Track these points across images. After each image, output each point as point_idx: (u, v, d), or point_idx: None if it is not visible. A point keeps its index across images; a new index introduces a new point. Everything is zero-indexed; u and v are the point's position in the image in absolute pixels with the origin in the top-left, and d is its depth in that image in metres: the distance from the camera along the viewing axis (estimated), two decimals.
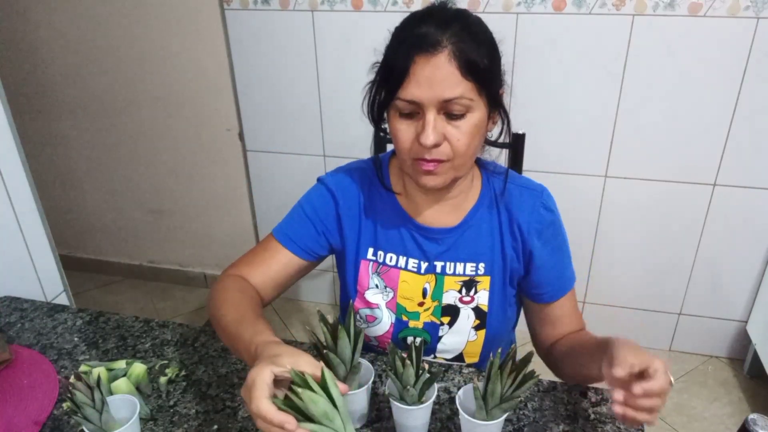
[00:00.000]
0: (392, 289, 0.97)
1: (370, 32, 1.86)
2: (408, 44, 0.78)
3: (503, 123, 0.89)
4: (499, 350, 0.73)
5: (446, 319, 0.97)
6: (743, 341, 2.05)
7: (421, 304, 0.97)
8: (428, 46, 0.76)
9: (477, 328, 0.97)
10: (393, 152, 0.98)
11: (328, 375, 0.63)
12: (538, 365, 0.71)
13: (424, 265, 0.96)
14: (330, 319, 0.76)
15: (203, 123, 2.23)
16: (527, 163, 1.25)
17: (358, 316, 0.99)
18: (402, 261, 0.97)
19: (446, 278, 0.96)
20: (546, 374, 0.82)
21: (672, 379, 0.69)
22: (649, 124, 1.81)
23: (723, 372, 2.06)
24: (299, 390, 0.61)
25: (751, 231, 1.88)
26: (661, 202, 1.91)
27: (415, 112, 0.81)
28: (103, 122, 2.34)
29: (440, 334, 0.98)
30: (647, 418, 0.69)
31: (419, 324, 0.98)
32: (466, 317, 0.97)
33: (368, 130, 1.21)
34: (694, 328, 2.10)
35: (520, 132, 1.19)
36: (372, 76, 0.86)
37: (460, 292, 0.96)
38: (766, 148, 1.76)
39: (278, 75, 2.05)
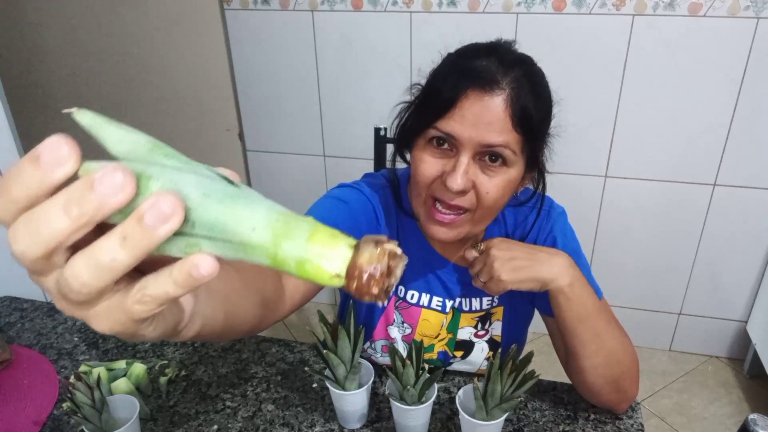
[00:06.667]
0: (410, 325, 0.94)
1: (370, 32, 1.85)
2: (463, 74, 0.70)
3: (537, 184, 0.83)
4: (499, 350, 0.73)
5: (459, 353, 0.96)
6: (743, 341, 2.05)
7: (436, 336, 0.95)
8: (485, 82, 0.69)
9: (490, 358, 0.95)
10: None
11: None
12: (538, 365, 0.71)
13: (449, 303, 0.92)
14: (330, 319, 0.76)
15: (203, 123, 2.23)
16: None
17: (372, 345, 0.97)
18: (425, 299, 0.92)
19: (462, 315, 0.93)
20: (546, 374, 0.82)
21: (483, 247, 0.82)
22: (649, 124, 1.81)
23: (723, 372, 2.06)
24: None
25: (751, 231, 1.88)
26: (661, 202, 1.91)
27: (447, 148, 0.72)
28: None
29: (451, 361, 0.97)
30: (480, 284, 0.80)
31: (433, 355, 0.96)
32: (480, 350, 0.95)
33: (368, 130, 1.20)
34: (694, 328, 2.10)
35: None
36: (409, 98, 0.79)
37: (475, 327, 0.94)
38: (766, 148, 1.76)
39: (278, 75, 2.05)
